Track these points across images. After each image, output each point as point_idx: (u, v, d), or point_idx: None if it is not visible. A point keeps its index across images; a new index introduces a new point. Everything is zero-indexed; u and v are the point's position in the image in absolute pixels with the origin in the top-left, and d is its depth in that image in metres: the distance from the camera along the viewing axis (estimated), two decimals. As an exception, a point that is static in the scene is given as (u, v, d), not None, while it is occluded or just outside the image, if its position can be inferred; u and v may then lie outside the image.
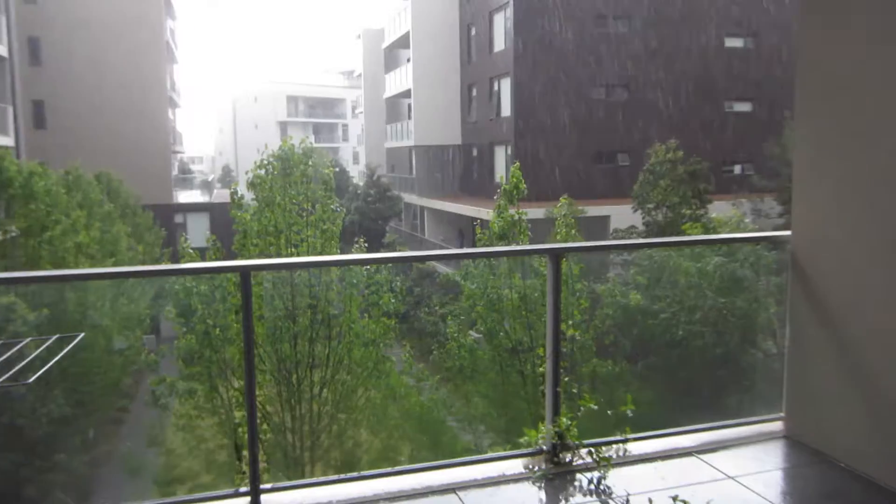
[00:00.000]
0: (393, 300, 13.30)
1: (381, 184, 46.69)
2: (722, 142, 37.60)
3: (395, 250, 36.79)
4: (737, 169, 38.18)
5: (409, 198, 46.97)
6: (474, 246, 20.01)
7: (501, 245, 12.88)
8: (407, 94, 46.65)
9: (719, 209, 25.64)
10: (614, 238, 28.14)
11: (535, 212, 23.22)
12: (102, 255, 20.27)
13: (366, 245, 14.24)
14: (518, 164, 14.27)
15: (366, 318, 13.28)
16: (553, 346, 4.36)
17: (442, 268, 31.81)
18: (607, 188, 35.41)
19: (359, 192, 46.70)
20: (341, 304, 13.01)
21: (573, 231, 13.57)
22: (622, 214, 30.18)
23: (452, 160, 44.34)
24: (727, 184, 34.61)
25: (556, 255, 4.38)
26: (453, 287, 22.73)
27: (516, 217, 13.17)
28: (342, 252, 15.29)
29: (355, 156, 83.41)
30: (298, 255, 13.10)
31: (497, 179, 30.28)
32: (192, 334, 12.62)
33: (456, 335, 13.42)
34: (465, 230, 38.93)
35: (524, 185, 13.60)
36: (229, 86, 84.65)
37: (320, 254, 13.15)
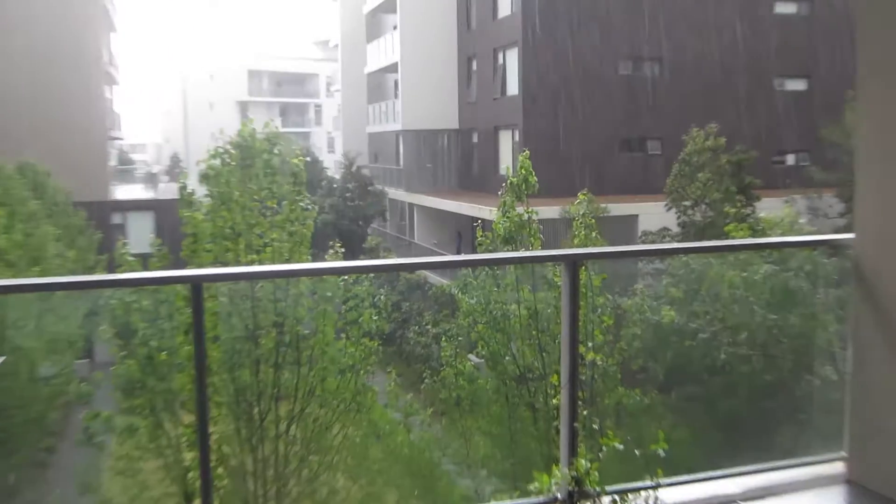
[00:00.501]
0: (375, 318, 13.28)
1: (361, 176, 46.81)
2: (772, 127, 37.78)
3: (378, 257, 36.86)
4: (790, 159, 38.34)
5: (396, 193, 47.09)
6: (474, 252, 20.09)
7: (507, 251, 12.89)
8: (393, 68, 46.81)
9: (769, 207, 25.77)
10: (643, 242, 28.23)
11: (549, 210, 23.14)
12: (26, 262, 20.26)
13: (342, 251, 14.19)
14: (527, 152, 14.37)
15: (343, 339, 13.28)
16: (570, 373, 4.38)
17: (435, 278, 31.76)
18: (635, 182, 35.54)
19: (335, 186, 46.81)
20: (313, 322, 12.99)
21: (594, 234, 13.52)
22: (653, 213, 30.31)
23: (448, 148, 44.49)
24: (778, 177, 34.74)
25: (574, 263, 4.45)
26: (449, 302, 22.76)
27: (525, 217, 13.17)
28: (314, 259, 15.26)
29: (330, 142, 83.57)
30: (261, 262, 13.09)
31: (502, 171, 29.82)
32: (133, 359, 12.63)
33: (452, 360, 13.54)
34: (464, 232, 39.08)
35: (535, 179, 13.64)
36: (179, 59, 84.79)
37: (287, 261, 13.14)
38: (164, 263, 13.35)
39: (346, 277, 13.16)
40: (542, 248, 13.32)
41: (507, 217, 13.23)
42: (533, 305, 12.41)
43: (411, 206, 46.94)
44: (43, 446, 17.72)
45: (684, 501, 4.48)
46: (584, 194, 14.67)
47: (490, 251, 13.38)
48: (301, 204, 13.65)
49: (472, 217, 31.36)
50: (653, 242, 27.73)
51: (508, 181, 13.65)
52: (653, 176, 33.63)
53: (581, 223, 13.67)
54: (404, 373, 24.97)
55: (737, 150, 28.14)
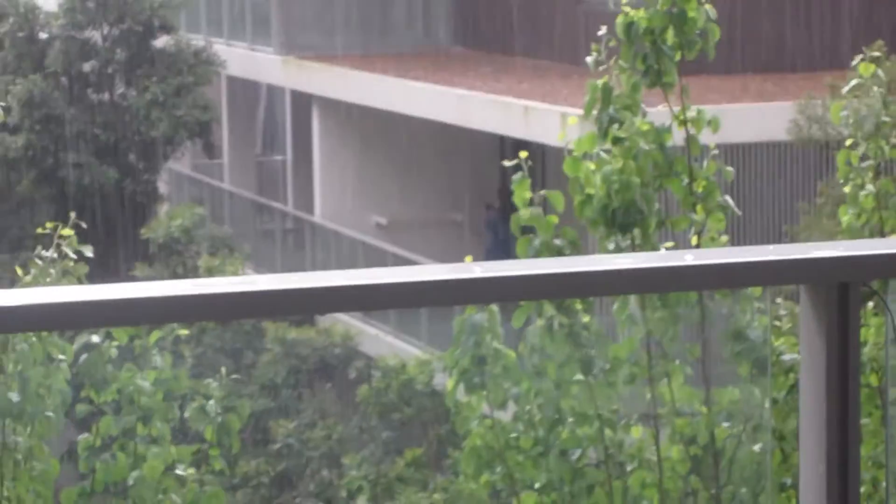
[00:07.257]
0: (192, 474, 5.30)
1: (123, 3, 19.14)
2: None
3: (195, 270, 16.68)
4: None
5: (252, 62, 21.10)
6: (509, 252, 10.25)
7: (615, 247, 5.23)
8: None
9: None
10: None
11: (751, 117, 12.40)
12: None
13: (87, 252, 5.27)
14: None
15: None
16: None
17: (378, 340, 15.92)
18: None
19: (43, 36, 19.53)
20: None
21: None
22: None
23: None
24: None
25: (843, 289, 1.67)
26: (425, 417, 12.90)
27: (678, 135, 5.38)
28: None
29: None
30: None
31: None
32: None
33: None
34: (484, 195, 17.93)
35: (704, 15, 5.29)
36: None
37: None
38: None
39: (97, 338, 5.16)
40: (734, 244, 6.03)
41: (617, 139, 5.20)
42: (703, 426, 5.33)
43: (301, 99, 20.31)
44: None
45: None
46: (870, 62, 5.56)
47: (560, 251, 5.16)
48: None
49: (503, 140, 14.96)
50: None
51: (620, 23, 5.35)
52: None
53: (864, 157, 5.49)
54: None
55: None
